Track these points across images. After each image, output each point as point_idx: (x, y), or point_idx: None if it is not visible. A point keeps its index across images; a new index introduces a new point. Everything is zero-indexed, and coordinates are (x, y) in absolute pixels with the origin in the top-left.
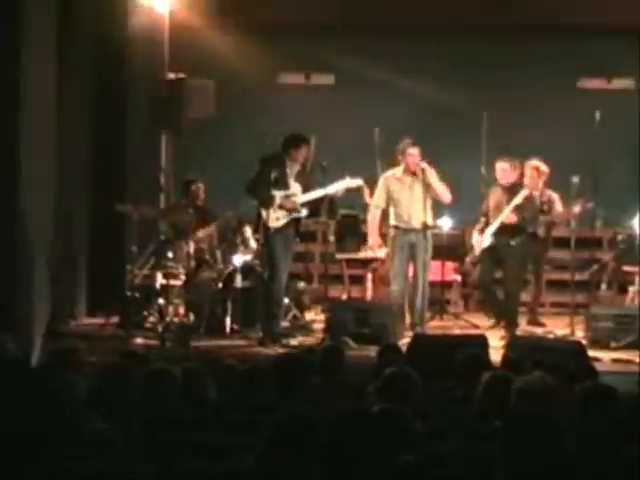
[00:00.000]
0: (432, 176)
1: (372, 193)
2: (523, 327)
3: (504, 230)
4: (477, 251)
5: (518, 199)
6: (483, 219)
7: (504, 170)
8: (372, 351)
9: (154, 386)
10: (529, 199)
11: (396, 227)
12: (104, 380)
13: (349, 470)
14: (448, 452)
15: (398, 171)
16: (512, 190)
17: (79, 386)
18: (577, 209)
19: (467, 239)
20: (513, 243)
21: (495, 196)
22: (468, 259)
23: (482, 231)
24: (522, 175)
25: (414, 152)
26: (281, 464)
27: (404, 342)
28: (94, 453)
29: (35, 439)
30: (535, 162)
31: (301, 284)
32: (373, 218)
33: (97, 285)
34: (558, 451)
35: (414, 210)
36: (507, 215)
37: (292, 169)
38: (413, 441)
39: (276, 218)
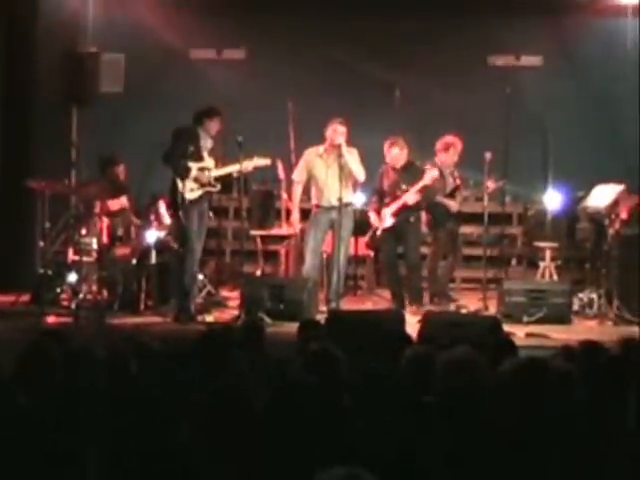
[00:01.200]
0: (349, 154)
1: (286, 169)
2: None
3: (403, 209)
4: (379, 231)
5: (427, 180)
6: (375, 198)
7: (394, 157)
8: (288, 327)
9: (76, 365)
10: (437, 179)
11: (315, 205)
12: (25, 359)
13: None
14: (380, 427)
15: (321, 148)
16: (407, 170)
17: None
18: (491, 185)
19: None
20: (412, 219)
21: (389, 175)
22: (369, 238)
23: (378, 211)
24: (409, 153)
25: (338, 129)
26: (214, 438)
27: (319, 318)
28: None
29: None
30: (450, 138)
31: (215, 260)
32: (294, 194)
33: (7, 262)
34: (489, 425)
35: (331, 187)
36: (410, 196)
37: (206, 142)
38: (344, 417)
39: (190, 189)
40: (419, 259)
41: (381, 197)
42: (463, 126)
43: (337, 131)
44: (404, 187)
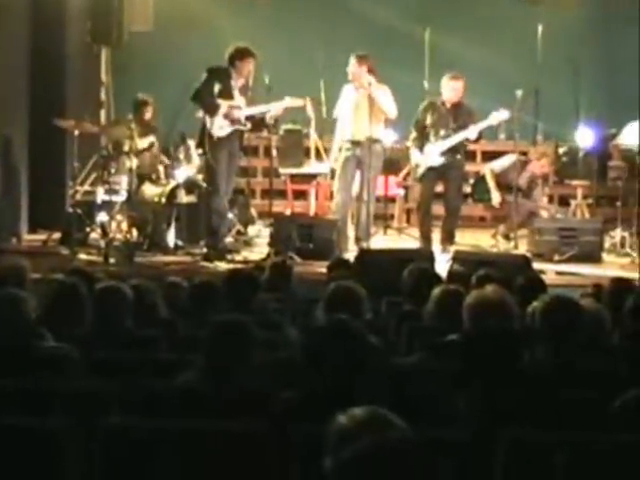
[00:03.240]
0: (380, 90)
1: (315, 107)
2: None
3: (453, 148)
4: (421, 169)
5: (493, 120)
6: (416, 134)
7: (457, 90)
8: (317, 266)
9: (105, 304)
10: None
11: (345, 141)
12: (52, 299)
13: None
14: (409, 366)
15: (353, 85)
16: (459, 109)
17: (28, 304)
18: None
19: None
20: (459, 156)
21: (438, 111)
22: (411, 176)
23: (421, 148)
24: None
25: (350, 62)
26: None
27: (349, 257)
28: (49, 373)
29: None
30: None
31: (245, 198)
32: (337, 131)
33: (38, 202)
34: (519, 363)
35: (361, 123)
36: (472, 132)
37: (237, 82)
38: (371, 354)
39: (220, 127)
40: (460, 201)
41: (422, 133)
42: (494, 65)
43: (358, 71)
44: (453, 125)
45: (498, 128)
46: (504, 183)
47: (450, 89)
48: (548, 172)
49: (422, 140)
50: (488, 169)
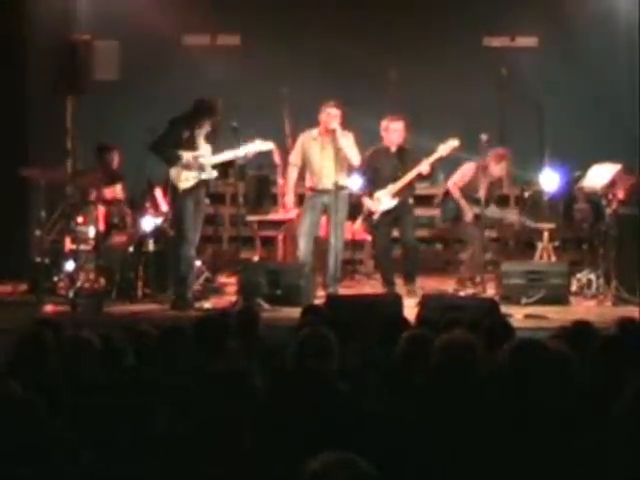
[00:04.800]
0: (344, 138)
1: (282, 154)
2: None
3: (405, 190)
4: (376, 215)
5: (443, 151)
6: (366, 181)
7: (399, 131)
8: (285, 312)
9: (72, 353)
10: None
11: (310, 188)
12: (19, 348)
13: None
14: (373, 411)
15: (315, 131)
16: (403, 153)
17: None
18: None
19: None
20: (410, 200)
21: (382, 157)
22: (362, 222)
23: (370, 195)
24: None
25: (331, 112)
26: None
27: (318, 303)
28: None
29: None
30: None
31: (212, 247)
32: (290, 177)
33: (4, 252)
34: (482, 404)
35: (326, 170)
36: (424, 166)
37: (202, 130)
38: (338, 400)
39: (185, 179)
40: (417, 242)
41: (372, 180)
42: (459, 108)
43: (330, 114)
44: (402, 168)
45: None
46: (469, 194)
47: (391, 132)
48: (509, 173)
49: (371, 187)
50: (451, 183)
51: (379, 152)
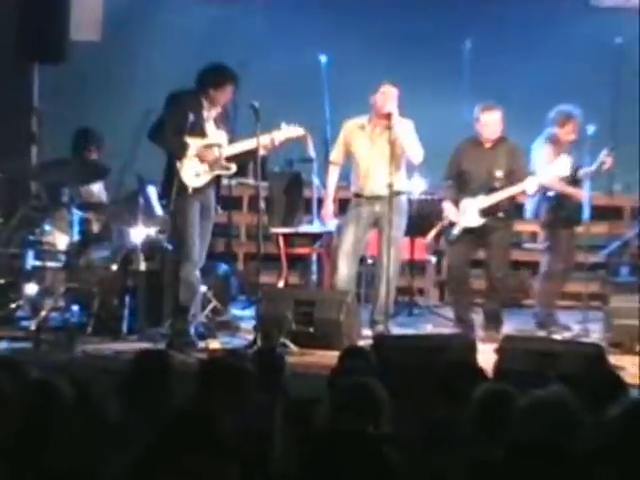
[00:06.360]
0: (404, 128)
1: (319, 145)
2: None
3: (497, 207)
4: (455, 228)
5: (561, 170)
6: (450, 182)
7: (495, 122)
8: (319, 357)
9: (36, 404)
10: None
11: (355, 193)
12: None
13: None
14: None
15: (364, 119)
16: (500, 148)
17: None
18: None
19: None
20: (501, 214)
21: (473, 153)
22: (435, 236)
23: (456, 202)
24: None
25: (387, 92)
26: None
27: (363, 345)
28: None
29: None
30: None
31: (223, 267)
32: (329, 178)
33: None
34: None
35: (376, 170)
36: (531, 184)
37: (211, 111)
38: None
39: (195, 174)
40: (506, 272)
41: (459, 182)
42: (557, 88)
43: (387, 94)
44: (498, 173)
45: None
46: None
47: (483, 124)
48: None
49: (458, 191)
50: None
51: (469, 148)
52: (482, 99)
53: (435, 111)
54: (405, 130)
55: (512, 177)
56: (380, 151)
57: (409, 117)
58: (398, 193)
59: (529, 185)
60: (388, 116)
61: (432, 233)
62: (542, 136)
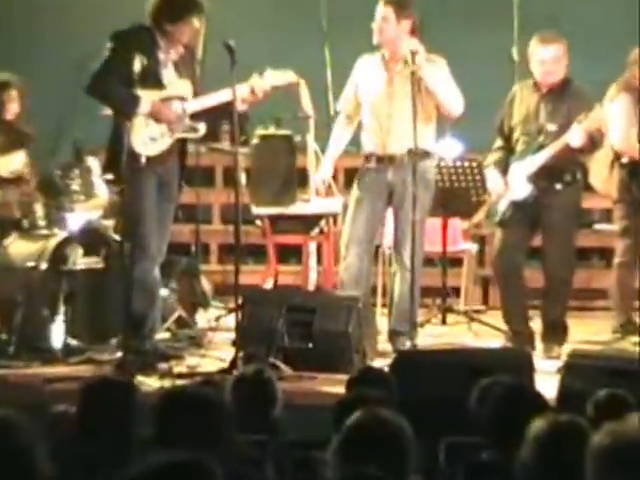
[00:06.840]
0: (434, 67)
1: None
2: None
3: (552, 168)
4: (502, 204)
5: (596, 114)
6: (500, 142)
7: (555, 59)
8: (321, 382)
9: None
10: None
11: (366, 156)
12: None
13: None
14: None
15: (382, 54)
16: (559, 94)
17: None
18: None
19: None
20: (559, 187)
21: (525, 102)
22: (481, 219)
23: (506, 170)
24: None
25: (386, 15)
26: None
27: (379, 365)
28: None
29: None
30: None
31: (191, 262)
32: (335, 130)
33: None
34: None
35: (394, 125)
36: (575, 134)
37: (169, 54)
38: None
39: (150, 139)
40: (572, 262)
41: (508, 142)
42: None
43: (388, 20)
44: (551, 127)
45: None
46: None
47: (539, 61)
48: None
49: (508, 155)
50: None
51: (523, 95)
52: (536, 29)
53: (475, 48)
54: (435, 70)
55: (564, 129)
56: (401, 98)
57: (440, 53)
58: (424, 155)
59: (572, 136)
60: (413, 54)
61: (479, 215)
62: (617, 84)
